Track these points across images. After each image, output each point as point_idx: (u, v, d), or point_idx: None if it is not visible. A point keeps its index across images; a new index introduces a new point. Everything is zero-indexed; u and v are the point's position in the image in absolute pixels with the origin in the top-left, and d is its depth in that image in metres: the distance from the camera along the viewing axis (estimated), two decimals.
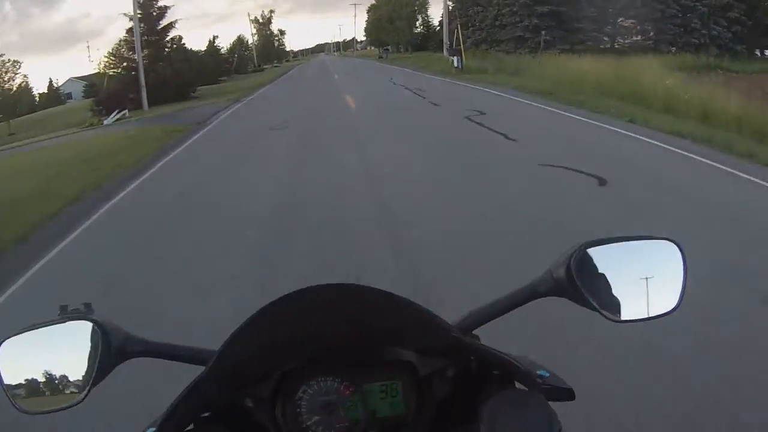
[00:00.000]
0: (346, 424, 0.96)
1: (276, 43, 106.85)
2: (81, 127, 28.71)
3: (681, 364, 3.11)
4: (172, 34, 39.72)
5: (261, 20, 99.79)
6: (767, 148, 8.23)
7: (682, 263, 0.97)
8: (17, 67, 49.48)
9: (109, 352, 0.90)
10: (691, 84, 16.59)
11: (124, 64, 36.22)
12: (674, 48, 36.90)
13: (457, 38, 29.38)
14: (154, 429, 0.88)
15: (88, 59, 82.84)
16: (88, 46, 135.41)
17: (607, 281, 0.93)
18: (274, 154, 10.81)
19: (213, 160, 11.40)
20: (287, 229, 6.10)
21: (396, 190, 7.26)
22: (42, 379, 0.89)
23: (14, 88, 48.29)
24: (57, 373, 0.89)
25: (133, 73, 33.54)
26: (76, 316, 0.92)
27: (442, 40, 39.97)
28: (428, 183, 7.54)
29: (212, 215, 7.10)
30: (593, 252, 0.94)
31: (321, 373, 0.97)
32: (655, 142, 8.87)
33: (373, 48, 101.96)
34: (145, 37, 36.16)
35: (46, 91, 75.23)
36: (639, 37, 39.52)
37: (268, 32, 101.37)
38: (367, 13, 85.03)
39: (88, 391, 0.88)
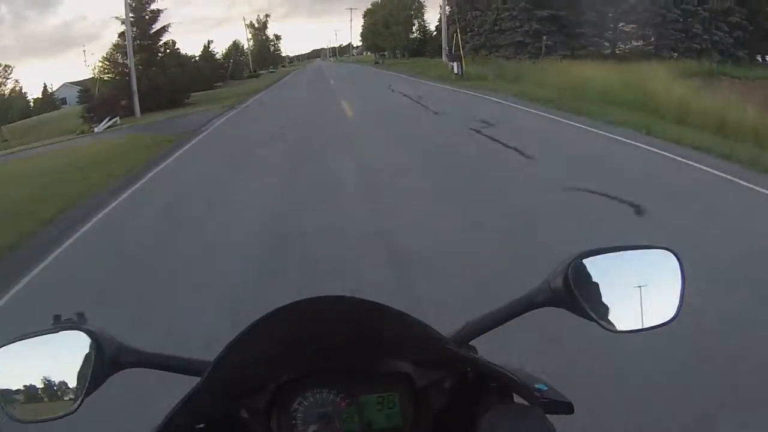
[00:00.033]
0: None
1: (272, 48, 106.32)
2: (71, 135, 28.03)
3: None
4: (165, 38, 39.06)
5: (257, 25, 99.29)
6: None
7: (680, 273, 0.97)
8: (8, 71, 48.97)
9: (103, 363, 0.89)
10: (702, 92, 16.25)
11: (117, 69, 35.44)
12: (675, 53, 36.49)
13: (456, 43, 28.66)
14: None
15: (84, 63, 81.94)
16: (84, 51, 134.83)
17: (605, 291, 0.93)
18: (266, 170, 9.98)
19: (202, 174, 10.71)
20: (276, 269, 5.25)
21: (403, 221, 6.29)
22: (34, 389, 0.88)
23: (6, 94, 47.80)
24: (49, 383, 0.88)
25: (126, 78, 32.75)
26: (69, 326, 0.91)
27: (440, 45, 39.44)
28: (441, 212, 6.55)
29: (197, 237, 6.60)
30: (591, 262, 0.93)
31: (317, 385, 0.97)
32: (681, 159, 8.15)
33: (369, 53, 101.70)
34: (138, 42, 35.41)
35: (40, 96, 74.96)
36: (640, 43, 38.97)
37: (264, 37, 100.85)
38: (363, 18, 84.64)
39: (81, 401, 0.87)
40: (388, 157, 10.13)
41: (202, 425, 0.95)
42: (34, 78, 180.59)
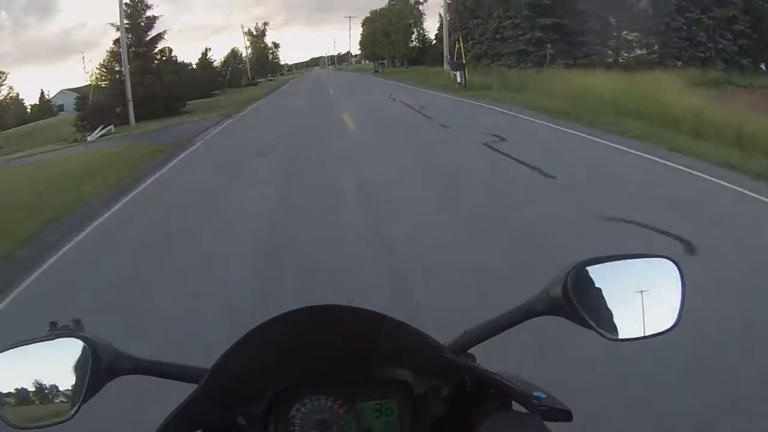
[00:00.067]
0: None
1: (270, 56, 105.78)
2: (64, 143, 27.38)
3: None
4: (161, 45, 38.13)
5: (255, 33, 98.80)
6: None
7: (679, 281, 0.96)
8: (3, 78, 48.36)
9: (99, 370, 0.89)
10: (714, 102, 15.75)
11: (112, 76, 34.71)
12: (679, 62, 36.13)
13: (459, 52, 27.96)
14: None
15: (83, 70, 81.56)
16: (83, 57, 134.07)
17: (604, 300, 0.93)
18: (259, 190, 9.16)
19: (192, 190, 10.01)
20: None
21: (421, 265, 5.10)
22: (30, 396, 0.88)
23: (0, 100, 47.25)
24: (46, 389, 0.88)
25: (121, 86, 32.04)
26: (65, 333, 0.91)
27: (439, 54, 38.83)
28: (462, 249, 5.47)
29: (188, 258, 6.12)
30: (590, 270, 0.93)
31: (314, 392, 0.97)
32: (716, 180, 7.40)
33: (367, 62, 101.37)
34: (133, 49, 34.70)
35: (37, 103, 74.55)
36: (643, 51, 38.48)
37: (262, 45, 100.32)
38: (362, 26, 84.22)
39: (78, 408, 0.87)
40: (394, 177, 9.06)
41: None
42: (33, 85, 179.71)
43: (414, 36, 71.40)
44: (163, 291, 5.18)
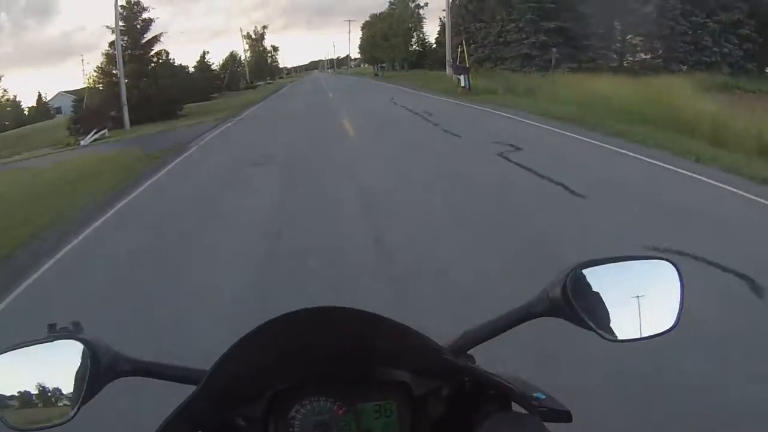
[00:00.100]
0: None
1: (269, 60, 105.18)
2: (56, 147, 26.70)
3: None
4: (157, 48, 37.28)
5: (254, 36, 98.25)
6: None
7: (678, 282, 0.97)
8: None
9: (98, 371, 0.89)
10: (726, 108, 15.11)
11: (107, 79, 33.95)
12: (685, 66, 35.68)
13: (462, 55, 27.23)
14: None
15: (82, 73, 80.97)
16: (82, 60, 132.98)
17: (603, 301, 0.93)
18: (251, 205, 8.33)
19: (184, 202, 9.18)
20: None
21: (442, 313, 4.04)
22: (30, 397, 0.88)
23: None
24: (45, 390, 0.88)
25: (116, 89, 31.30)
26: (64, 335, 0.90)
27: (439, 57, 38.15)
28: (488, 285, 4.50)
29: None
30: (589, 272, 0.94)
31: (314, 393, 0.98)
32: (759, 199, 6.60)
33: (367, 65, 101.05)
34: (129, 51, 33.94)
35: (35, 105, 74.17)
36: (648, 56, 37.88)
37: (261, 48, 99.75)
38: (362, 30, 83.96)
39: (78, 409, 0.87)
40: (401, 192, 8.05)
41: None
42: (33, 87, 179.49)
43: (414, 40, 70.90)
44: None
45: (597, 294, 0.92)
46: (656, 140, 10.41)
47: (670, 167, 8.26)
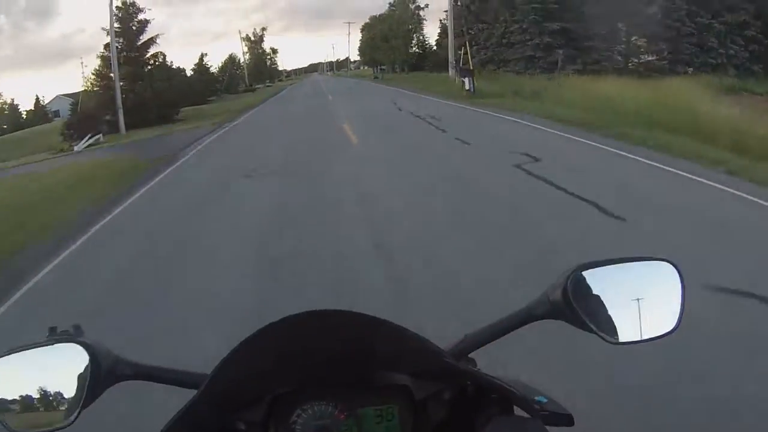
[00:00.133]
0: None
1: (268, 62, 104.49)
2: (49, 153, 26.03)
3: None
4: (153, 50, 36.56)
5: (253, 38, 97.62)
6: None
7: (679, 284, 0.96)
8: None
9: (99, 375, 0.89)
10: (744, 112, 14.54)
11: (102, 83, 33.23)
12: (691, 68, 35.12)
13: (466, 57, 26.49)
14: None
15: (81, 76, 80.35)
16: (81, 62, 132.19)
17: (604, 303, 0.92)
18: (242, 227, 7.48)
19: (166, 230, 8.37)
20: None
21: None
22: (30, 400, 0.87)
23: None
24: (46, 394, 0.88)
25: (111, 92, 30.62)
26: (65, 338, 0.90)
27: (440, 59, 37.43)
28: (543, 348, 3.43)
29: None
30: (590, 274, 0.93)
31: (315, 397, 0.97)
32: None
33: (366, 68, 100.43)
34: (124, 54, 33.25)
35: (33, 109, 73.80)
36: (653, 57, 37.25)
37: (260, 50, 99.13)
38: (361, 32, 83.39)
39: (78, 413, 0.87)
40: (418, 215, 6.96)
41: None
42: (32, 89, 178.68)
43: (414, 42, 70.33)
44: None
45: (598, 296, 0.92)
46: (680, 149, 9.70)
47: (706, 181, 7.48)
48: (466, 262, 5.15)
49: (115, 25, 31.23)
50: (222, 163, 13.69)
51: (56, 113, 65.15)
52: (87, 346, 0.88)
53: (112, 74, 30.90)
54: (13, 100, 74.23)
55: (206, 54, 76.22)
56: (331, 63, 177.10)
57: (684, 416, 2.80)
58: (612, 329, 0.91)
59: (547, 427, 0.86)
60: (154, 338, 4.08)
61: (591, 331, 0.90)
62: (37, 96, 75.96)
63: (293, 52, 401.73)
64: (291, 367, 0.97)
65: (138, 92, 32.50)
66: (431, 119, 16.30)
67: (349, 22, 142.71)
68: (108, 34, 30.92)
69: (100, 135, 28.11)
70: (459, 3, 39.22)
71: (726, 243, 5.19)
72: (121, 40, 32.84)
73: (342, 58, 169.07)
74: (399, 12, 69.67)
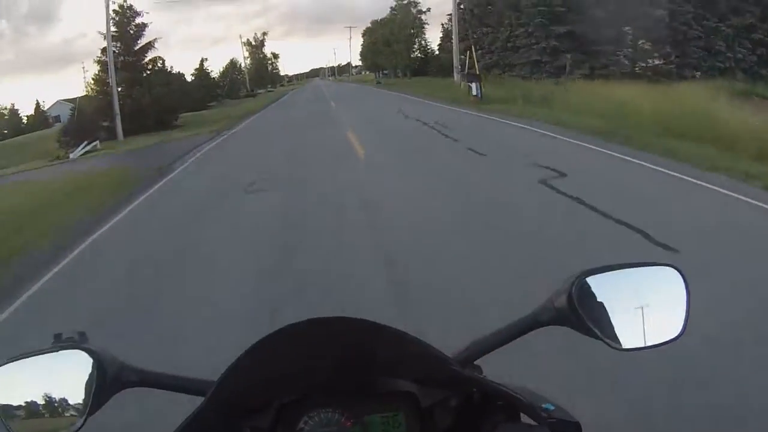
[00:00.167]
0: None
1: (270, 67, 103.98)
2: (46, 161, 25.42)
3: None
4: (151, 54, 35.82)
5: (254, 43, 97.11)
6: None
7: (684, 289, 0.96)
8: None
9: (104, 382, 0.88)
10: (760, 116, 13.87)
11: (100, 88, 32.56)
12: (698, 72, 34.56)
13: (472, 62, 25.75)
14: None
15: (83, 80, 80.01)
16: (83, 68, 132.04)
17: (609, 309, 0.92)
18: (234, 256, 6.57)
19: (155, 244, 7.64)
20: None
21: None
22: (36, 406, 0.87)
23: None
24: (52, 400, 0.87)
25: (109, 98, 29.97)
26: (70, 345, 0.90)
27: (442, 64, 36.79)
28: None
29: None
30: (595, 280, 0.93)
31: (321, 405, 0.97)
32: None
33: (368, 73, 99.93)
34: (122, 58, 32.57)
35: (33, 114, 73.53)
36: (661, 61, 36.65)
37: (261, 55, 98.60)
38: (363, 36, 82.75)
39: (84, 420, 0.86)
40: (439, 242, 6.03)
41: None
42: (35, 95, 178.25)
43: (416, 47, 69.78)
44: None
45: (603, 302, 0.91)
46: (709, 161, 8.89)
47: (749, 200, 6.67)
48: (497, 291, 4.37)
49: (113, 28, 30.53)
50: (217, 177, 12.77)
51: (57, 118, 64.91)
52: (92, 353, 0.88)
53: (109, 79, 30.23)
54: (13, 104, 74.01)
55: (207, 59, 75.59)
56: (332, 68, 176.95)
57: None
58: (617, 335, 0.90)
59: None
60: None
61: (596, 337, 0.89)
62: (37, 101, 75.58)
63: (294, 57, 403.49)
64: (296, 375, 0.95)
65: (136, 98, 31.85)
66: (440, 127, 15.45)
67: (350, 27, 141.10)
68: (105, 38, 30.26)
69: (97, 142, 27.54)
70: (462, 6, 38.57)
71: None
72: (118, 44, 32.16)
73: (343, 63, 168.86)
74: (400, 16, 69.12)
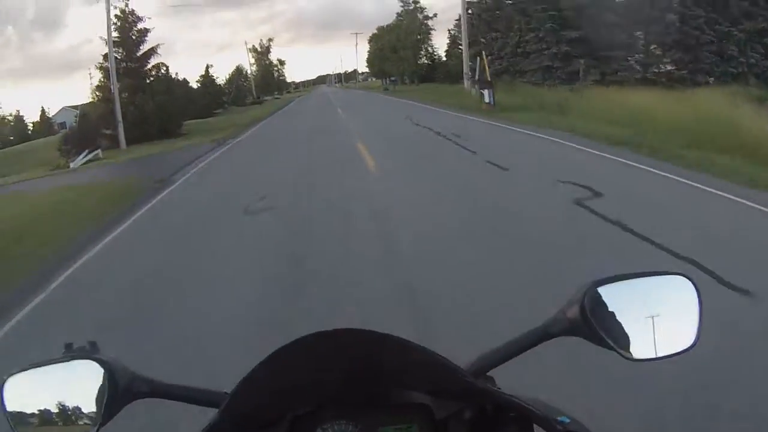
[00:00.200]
0: None
1: (276, 74, 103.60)
2: (47, 170, 24.86)
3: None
4: (154, 60, 35.15)
5: (260, 49, 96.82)
6: None
7: (696, 299, 0.95)
8: None
9: (116, 393, 0.88)
10: None
11: (102, 95, 31.93)
12: (711, 78, 33.87)
13: (483, 68, 25.04)
14: None
15: (90, 87, 79.89)
16: (89, 74, 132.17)
17: (621, 319, 0.91)
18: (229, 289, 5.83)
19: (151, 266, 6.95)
20: None
21: None
22: (49, 415, 0.87)
23: None
24: (64, 410, 0.87)
25: (111, 105, 29.38)
26: (81, 354, 0.89)
27: (450, 71, 36.16)
28: None
29: None
30: (606, 290, 0.92)
31: (335, 416, 0.96)
32: None
33: (374, 79, 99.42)
34: (124, 64, 31.97)
35: (39, 120, 73.66)
36: (673, 67, 35.96)
37: (267, 62, 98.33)
38: (369, 43, 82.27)
39: (97, 430, 0.86)
40: (467, 277, 5.11)
41: None
42: (41, 101, 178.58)
43: (422, 53, 69.25)
44: None
45: (615, 312, 0.90)
46: (745, 174, 8.31)
47: None
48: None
49: (114, 34, 29.95)
50: (218, 192, 12.01)
51: (62, 125, 64.87)
52: (103, 363, 0.87)
53: (111, 86, 29.64)
54: (18, 111, 74.26)
55: (212, 65, 75.41)
56: (339, 75, 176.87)
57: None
58: (630, 346, 0.89)
59: None
60: None
61: (609, 347, 0.89)
62: (42, 108, 75.70)
63: (301, 63, 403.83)
64: (307, 387, 0.95)
65: (139, 105, 31.26)
66: (454, 137, 14.55)
67: (356, 33, 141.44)
68: (107, 43, 29.67)
69: (99, 150, 26.95)
70: (470, 11, 37.96)
71: None
72: (120, 50, 31.58)
73: (350, 69, 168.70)
74: (407, 22, 68.62)
